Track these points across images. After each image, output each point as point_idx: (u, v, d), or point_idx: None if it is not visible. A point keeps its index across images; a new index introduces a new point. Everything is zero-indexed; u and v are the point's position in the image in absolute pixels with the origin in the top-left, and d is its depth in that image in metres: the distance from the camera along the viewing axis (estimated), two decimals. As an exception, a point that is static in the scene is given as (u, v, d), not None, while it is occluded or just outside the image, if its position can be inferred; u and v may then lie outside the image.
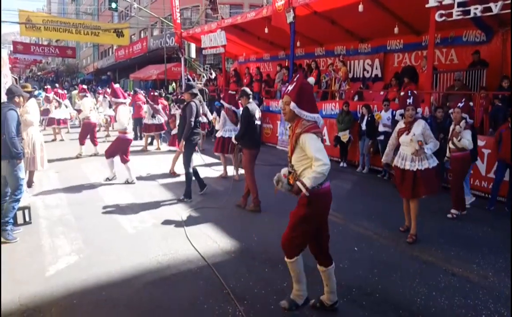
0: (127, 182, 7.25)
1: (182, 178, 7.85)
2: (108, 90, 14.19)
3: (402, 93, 4.86)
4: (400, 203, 5.29)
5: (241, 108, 6.96)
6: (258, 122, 6.22)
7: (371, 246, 4.72)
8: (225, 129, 7.97)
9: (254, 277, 3.85)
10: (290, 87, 3.10)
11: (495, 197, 6.27)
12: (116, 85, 8.11)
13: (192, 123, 6.09)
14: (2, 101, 4.92)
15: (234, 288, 3.62)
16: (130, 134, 7.38)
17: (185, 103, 6.24)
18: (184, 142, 6.12)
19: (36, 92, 11.57)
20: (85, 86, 14.35)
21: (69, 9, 57.36)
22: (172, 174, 8.04)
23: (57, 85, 17.47)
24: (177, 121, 7.24)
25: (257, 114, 6.18)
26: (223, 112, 8.11)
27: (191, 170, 6.32)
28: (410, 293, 3.62)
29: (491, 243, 4.86)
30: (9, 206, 4.66)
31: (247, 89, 6.14)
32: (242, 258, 4.31)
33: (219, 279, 3.78)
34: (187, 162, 6.24)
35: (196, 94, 6.28)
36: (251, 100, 6.01)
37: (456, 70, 9.08)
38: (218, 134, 8.14)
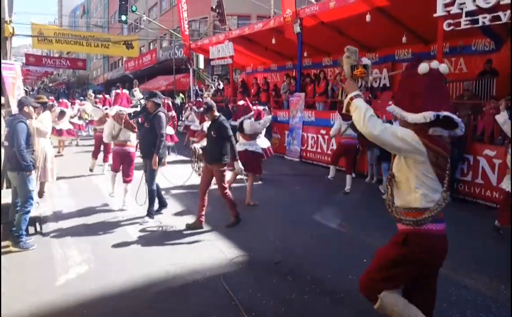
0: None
1: (191, 189, 7.90)
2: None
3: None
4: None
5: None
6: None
7: (380, 257, 4.66)
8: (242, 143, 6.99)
9: (262, 288, 3.83)
10: None
11: (506, 207, 6.17)
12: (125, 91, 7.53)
13: (164, 135, 5.67)
14: (13, 113, 5.02)
15: (242, 299, 3.60)
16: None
17: (153, 113, 5.65)
18: (156, 158, 5.54)
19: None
20: (102, 96, 13.84)
21: (80, 22, 58.44)
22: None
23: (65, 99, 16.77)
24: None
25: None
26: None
27: (155, 187, 5.84)
28: (421, 305, 3.56)
29: (503, 255, 4.77)
30: (20, 218, 4.71)
31: (211, 101, 5.74)
32: (249, 269, 4.29)
33: (227, 290, 3.77)
34: (152, 178, 5.74)
35: (159, 104, 5.74)
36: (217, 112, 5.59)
37: (465, 79, 9.02)
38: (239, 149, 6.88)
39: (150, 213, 5.80)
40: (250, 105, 7.23)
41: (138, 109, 6.33)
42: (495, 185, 6.75)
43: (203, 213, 5.52)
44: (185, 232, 5.39)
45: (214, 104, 5.63)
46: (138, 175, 6.21)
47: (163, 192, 6.47)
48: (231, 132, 5.44)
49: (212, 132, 5.47)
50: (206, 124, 8.14)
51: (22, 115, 4.84)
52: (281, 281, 3.99)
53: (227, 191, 5.59)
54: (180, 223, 5.74)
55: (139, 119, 6.02)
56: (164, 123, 5.66)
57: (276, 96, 14.41)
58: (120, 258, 4.53)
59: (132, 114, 6.31)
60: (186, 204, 6.72)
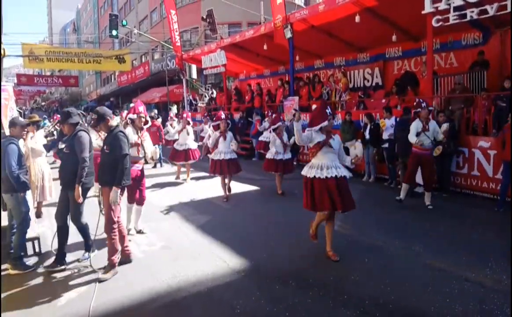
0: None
1: (192, 203, 7.89)
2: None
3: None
4: (407, 210, 5.24)
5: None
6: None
7: (381, 256, 4.67)
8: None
9: (265, 295, 3.82)
10: None
11: (503, 198, 6.20)
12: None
13: (87, 160, 4.54)
14: (4, 134, 4.98)
15: (245, 307, 3.59)
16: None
17: (71, 135, 4.61)
18: (80, 189, 4.50)
19: (41, 123, 11.58)
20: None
21: (71, 39, 58.50)
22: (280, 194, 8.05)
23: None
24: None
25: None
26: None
27: (84, 221, 4.93)
28: (424, 302, 3.56)
29: (502, 246, 4.79)
30: (17, 240, 4.68)
31: (103, 109, 4.64)
32: (252, 276, 4.28)
33: (230, 299, 3.75)
34: (78, 213, 4.79)
35: (77, 123, 4.66)
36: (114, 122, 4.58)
37: (456, 73, 9.11)
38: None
39: (87, 248, 5.06)
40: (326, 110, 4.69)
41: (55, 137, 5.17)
42: (491, 176, 6.79)
43: (126, 243, 4.79)
44: (185, 245, 5.37)
45: (107, 112, 4.58)
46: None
47: (162, 206, 6.38)
48: (126, 151, 4.39)
49: (105, 147, 4.46)
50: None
51: (13, 136, 4.82)
52: (283, 287, 3.98)
53: (115, 226, 4.50)
54: (181, 235, 5.71)
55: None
56: (85, 145, 4.56)
57: (270, 101, 14.46)
58: (121, 273, 4.50)
59: (49, 144, 5.23)
60: (183, 215, 6.70)
